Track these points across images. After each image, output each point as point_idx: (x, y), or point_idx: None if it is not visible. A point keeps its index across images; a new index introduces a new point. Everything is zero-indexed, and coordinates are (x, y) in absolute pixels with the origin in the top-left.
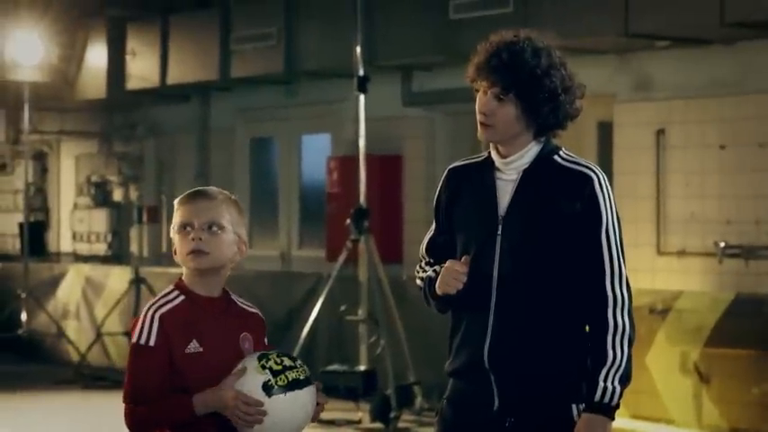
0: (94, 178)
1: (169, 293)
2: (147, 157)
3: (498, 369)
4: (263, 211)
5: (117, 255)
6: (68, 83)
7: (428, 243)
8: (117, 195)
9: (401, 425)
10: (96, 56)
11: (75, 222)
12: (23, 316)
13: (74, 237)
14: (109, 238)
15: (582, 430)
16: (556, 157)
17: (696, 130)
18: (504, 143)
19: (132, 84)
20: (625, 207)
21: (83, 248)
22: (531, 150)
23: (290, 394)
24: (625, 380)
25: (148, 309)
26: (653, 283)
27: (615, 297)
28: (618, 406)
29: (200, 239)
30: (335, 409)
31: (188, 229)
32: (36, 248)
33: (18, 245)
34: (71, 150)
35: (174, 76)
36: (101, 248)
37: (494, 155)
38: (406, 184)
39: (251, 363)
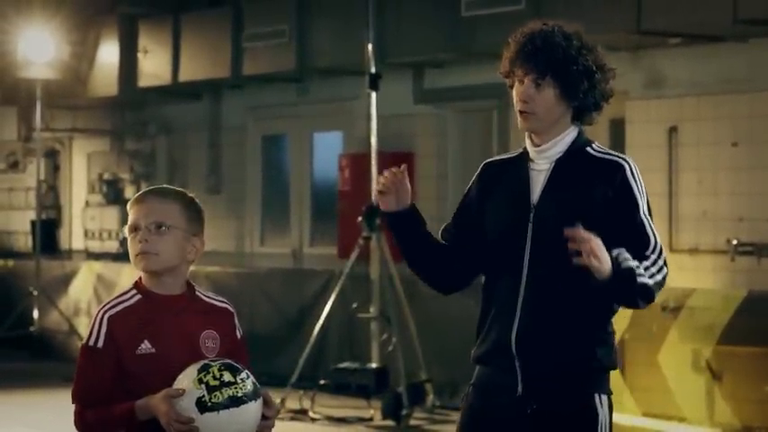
0: (106, 176)
1: (125, 293)
2: (158, 155)
3: (524, 354)
4: (274, 208)
5: (128, 252)
6: (80, 80)
7: (442, 230)
8: (129, 193)
9: (412, 422)
10: (108, 53)
11: (86, 220)
12: (35, 313)
13: (85, 234)
14: (121, 235)
15: (595, 239)
16: (588, 149)
17: (708, 128)
18: (544, 130)
19: (144, 81)
20: None
21: (94, 246)
22: (566, 138)
23: (223, 413)
24: (651, 279)
25: (99, 310)
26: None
27: (656, 261)
28: (622, 277)
29: (146, 241)
30: (347, 407)
31: (136, 230)
32: (48, 246)
33: (30, 242)
34: (83, 148)
35: (185, 74)
36: (112, 246)
37: (528, 145)
38: (417, 182)
39: (191, 374)
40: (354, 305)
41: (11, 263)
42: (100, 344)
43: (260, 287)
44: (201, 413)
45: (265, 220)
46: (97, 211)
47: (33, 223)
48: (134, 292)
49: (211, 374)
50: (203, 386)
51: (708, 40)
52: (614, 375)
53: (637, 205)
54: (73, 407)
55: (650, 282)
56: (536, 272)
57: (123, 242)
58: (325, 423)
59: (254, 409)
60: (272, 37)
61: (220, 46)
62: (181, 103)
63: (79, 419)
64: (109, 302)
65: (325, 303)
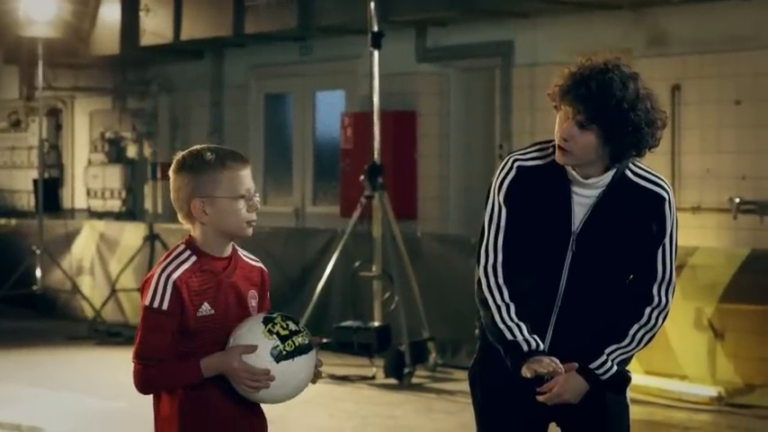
0: (108, 135)
1: (181, 253)
2: (160, 114)
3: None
4: (277, 167)
5: (131, 211)
6: (82, 39)
7: (502, 266)
8: (131, 152)
9: (415, 381)
10: (110, 12)
11: (89, 179)
12: (38, 272)
13: (88, 193)
14: (123, 194)
15: (561, 381)
16: (628, 172)
17: (712, 86)
18: (580, 166)
19: (146, 40)
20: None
21: (97, 205)
22: (608, 173)
23: (297, 359)
24: (624, 365)
25: (162, 271)
26: None
27: (660, 300)
28: (605, 385)
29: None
30: (349, 365)
31: (247, 195)
32: (50, 205)
33: (32, 201)
34: (85, 107)
35: (187, 32)
36: (115, 205)
37: (570, 171)
38: (419, 141)
39: (256, 327)
40: (357, 264)
41: (13, 222)
42: (165, 306)
43: (262, 246)
44: (277, 362)
45: (268, 179)
46: (99, 170)
47: (36, 182)
48: (189, 252)
49: (279, 325)
50: (275, 336)
51: None
52: None
53: (663, 236)
54: (131, 366)
55: (642, 345)
56: (571, 295)
57: (126, 201)
58: (328, 381)
59: (314, 355)
60: None
61: (222, 4)
62: (183, 62)
63: (140, 378)
64: (169, 263)
65: (328, 262)
